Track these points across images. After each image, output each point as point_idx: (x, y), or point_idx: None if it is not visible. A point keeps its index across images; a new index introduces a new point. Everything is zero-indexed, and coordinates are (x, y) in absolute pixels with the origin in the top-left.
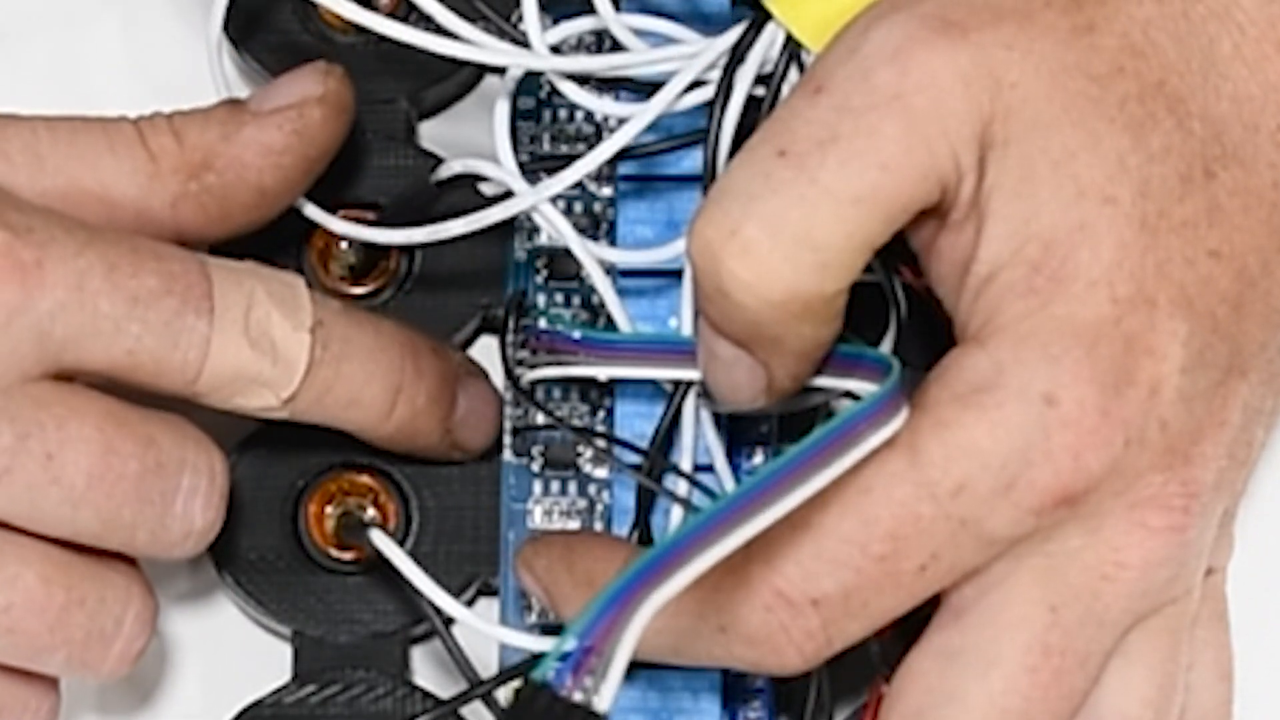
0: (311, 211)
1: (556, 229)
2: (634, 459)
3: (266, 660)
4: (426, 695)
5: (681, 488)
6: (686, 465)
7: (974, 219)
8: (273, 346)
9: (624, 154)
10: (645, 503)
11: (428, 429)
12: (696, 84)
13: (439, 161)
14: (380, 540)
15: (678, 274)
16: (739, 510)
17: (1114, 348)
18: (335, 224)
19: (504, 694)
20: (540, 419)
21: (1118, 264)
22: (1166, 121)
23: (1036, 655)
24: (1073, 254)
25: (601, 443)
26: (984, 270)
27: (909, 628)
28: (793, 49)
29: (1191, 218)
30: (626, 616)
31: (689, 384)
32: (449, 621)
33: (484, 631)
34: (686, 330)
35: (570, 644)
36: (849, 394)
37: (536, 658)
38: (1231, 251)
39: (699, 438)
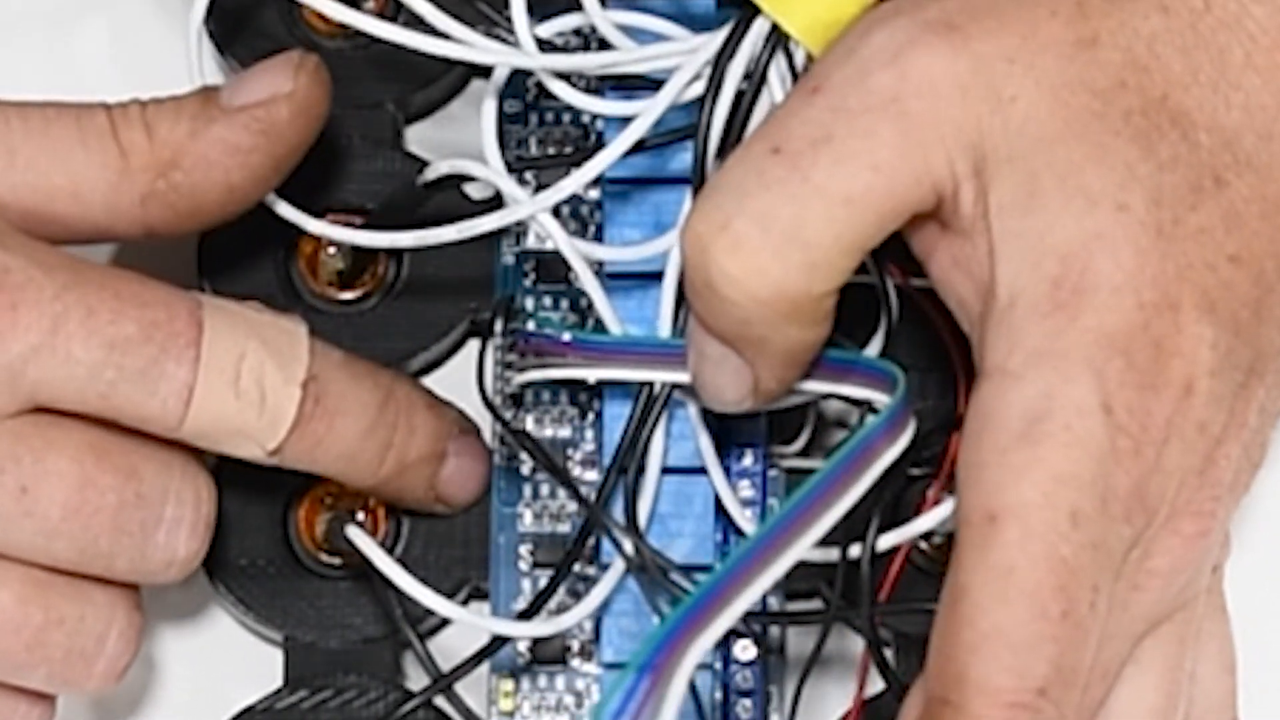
0: (288, 211)
1: (551, 235)
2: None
3: (258, 666)
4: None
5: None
6: (656, 468)
7: (983, 234)
8: (261, 398)
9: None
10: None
11: (414, 484)
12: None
13: (426, 164)
14: (356, 536)
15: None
16: (773, 543)
17: (1146, 352)
18: (317, 225)
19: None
20: (530, 423)
21: (1139, 269)
22: (1172, 134)
23: None
24: (1092, 264)
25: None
26: (1005, 295)
27: None
28: (777, 39)
29: (1208, 224)
30: (677, 658)
31: (665, 393)
32: (436, 629)
33: (457, 617)
34: (666, 332)
35: (628, 681)
36: (833, 395)
37: (494, 641)
38: (1250, 256)
39: (668, 447)
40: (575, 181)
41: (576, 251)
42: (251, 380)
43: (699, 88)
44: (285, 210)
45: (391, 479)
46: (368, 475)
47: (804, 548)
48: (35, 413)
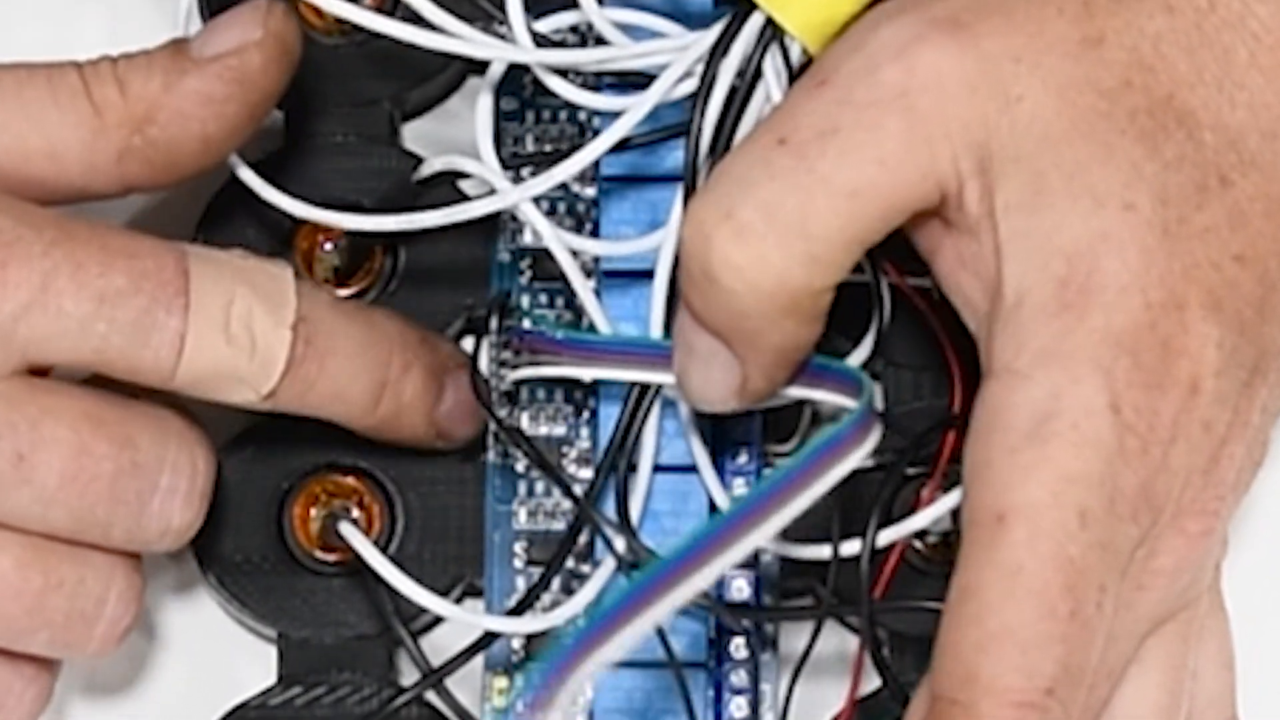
0: (273, 194)
1: (534, 224)
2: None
3: (252, 662)
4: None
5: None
6: (648, 466)
7: (989, 232)
8: (252, 343)
9: (607, 152)
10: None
11: (412, 421)
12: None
13: (421, 161)
14: (350, 533)
15: None
16: (711, 544)
17: (1153, 352)
18: (303, 209)
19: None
20: (525, 420)
21: (1145, 269)
22: (1177, 133)
23: None
24: (1098, 264)
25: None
26: (1011, 294)
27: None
28: (772, 35)
29: (1213, 224)
30: (593, 650)
31: (658, 390)
32: (430, 626)
33: (449, 615)
34: (655, 331)
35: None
36: (807, 400)
37: (485, 636)
38: (1255, 255)
39: (660, 445)
40: (563, 171)
41: (561, 242)
42: (241, 325)
43: (694, 84)
44: (271, 194)
45: (389, 418)
46: (365, 414)
47: (743, 551)
48: (30, 379)
